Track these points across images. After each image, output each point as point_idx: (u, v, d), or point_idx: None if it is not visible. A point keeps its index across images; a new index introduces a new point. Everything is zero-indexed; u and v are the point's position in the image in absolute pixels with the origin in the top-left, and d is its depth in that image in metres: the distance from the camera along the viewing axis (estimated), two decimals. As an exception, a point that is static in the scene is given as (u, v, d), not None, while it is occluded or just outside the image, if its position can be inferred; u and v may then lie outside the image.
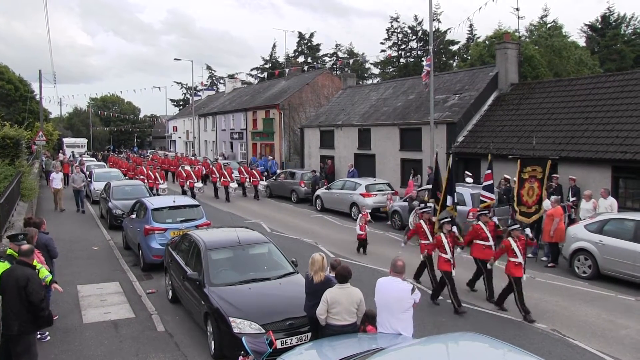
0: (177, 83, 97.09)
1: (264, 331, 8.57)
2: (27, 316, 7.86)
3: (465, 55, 58.81)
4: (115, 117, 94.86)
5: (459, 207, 18.93)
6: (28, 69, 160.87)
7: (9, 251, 8.77)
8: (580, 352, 9.76)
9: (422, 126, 27.55)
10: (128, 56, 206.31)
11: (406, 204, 21.59)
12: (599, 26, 54.69)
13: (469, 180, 22.09)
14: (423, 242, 13.51)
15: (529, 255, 13.62)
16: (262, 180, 31.58)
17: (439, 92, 28.72)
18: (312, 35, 77.33)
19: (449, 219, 12.75)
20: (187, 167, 31.60)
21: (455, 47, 62.79)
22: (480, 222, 12.94)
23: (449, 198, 13.87)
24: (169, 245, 13.42)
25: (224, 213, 25.29)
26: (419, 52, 63.65)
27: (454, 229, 12.72)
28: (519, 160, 13.21)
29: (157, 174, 30.43)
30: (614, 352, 9.73)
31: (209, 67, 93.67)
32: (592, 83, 23.77)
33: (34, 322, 7.98)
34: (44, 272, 9.34)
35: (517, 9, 60.46)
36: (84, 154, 62.55)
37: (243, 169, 32.06)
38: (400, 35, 66.25)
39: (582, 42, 53.09)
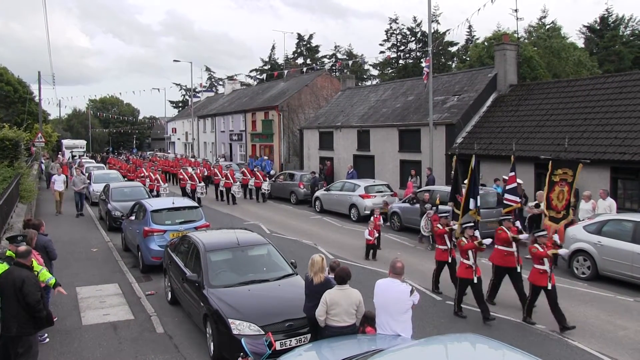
0: (176, 85, 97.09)
1: (263, 333, 8.56)
2: (25, 317, 7.89)
3: (464, 57, 58.87)
4: (114, 119, 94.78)
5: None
6: (27, 70, 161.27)
7: (8, 253, 8.79)
8: (579, 352, 9.77)
9: (421, 127, 27.58)
10: (126, 58, 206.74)
11: (406, 204, 21.60)
12: (598, 27, 54.78)
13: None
14: (440, 247, 13.20)
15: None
16: (266, 181, 31.02)
17: (438, 93, 28.76)
18: (311, 36, 77.42)
19: (472, 224, 12.23)
20: (189, 169, 31.47)
21: (454, 49, 62.86)
22: (503, 227, 12.34)
23: (471, 201, 13.30)
24: (168, 246, 13.41)
25: (223, 215, 25.30)
26: (418, 54, 63.69)
27: (477, 233, 12.17)
28: (550, 162, 12.61)
29: (158, 176, 30.13)
30: (612, 352, 9.73)
31: (208, 69, 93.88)
32: (590, 84, 23.83)
33: (32, 323, 8.00)
34: (47, 275, 9.35)
35: (516, 10, 60.76)
36: (83, 155, 62.49)
37: (246, 171, 31.82)
38: (399, 37, 66.31)
39: (580, 43, 53.23)
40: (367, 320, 8.02)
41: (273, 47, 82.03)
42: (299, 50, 77.37)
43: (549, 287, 10.79)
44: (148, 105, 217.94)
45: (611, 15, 54.11)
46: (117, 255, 17.37)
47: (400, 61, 66.28)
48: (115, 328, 10.93)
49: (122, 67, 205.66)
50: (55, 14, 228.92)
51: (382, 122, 30.98)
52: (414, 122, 28.60)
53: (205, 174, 34.10)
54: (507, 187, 14.80)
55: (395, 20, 66.09)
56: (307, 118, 42.02)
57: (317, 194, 27.37)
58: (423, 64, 26.06)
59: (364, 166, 31.71)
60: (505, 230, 12.20)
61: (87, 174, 32.48)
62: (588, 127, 21.20)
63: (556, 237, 12.19)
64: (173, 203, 16.98)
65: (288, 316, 9.02)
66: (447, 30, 59.13)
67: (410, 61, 64.62)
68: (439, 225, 13.39)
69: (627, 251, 13.45)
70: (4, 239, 11.72)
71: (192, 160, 45.30)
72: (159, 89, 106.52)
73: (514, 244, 12.06)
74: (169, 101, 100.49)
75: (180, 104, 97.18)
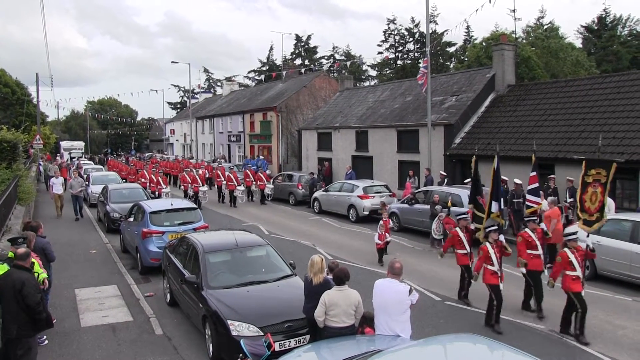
0: (175, 86, 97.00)
1: (262, 334, 8.56)
2: (25, 319, 7.90)
3: (462, 57, 58.92)
4: (113, 120, 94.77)
5: (454, 208, 19.09)
6: (25, 72, 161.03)
7: (10, 254, 8.81)
8: (578, 352, 9.78)
9: (420, 128, 27.60)
10: (124, 59, 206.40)
11: (405, 205, 21.61)
12: (595, 27, 54.83)
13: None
14: (460, 252, 12.69)
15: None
16: (269, 183, 30.51)
17: (436, 93, 28.78)
18: (309, 37, 77.42)
19: (496, 227, 11.77)
20: (200, 171, 31.19)
21: (452, 49, 62.86)
22: (527, 230, 12.01)
23: (494, 204, 12.83)
24: (166, 248, 13.39)
25: (221, 216, 25.31)
26: (416, 54, 63.68)
27: (502, 237, 11.67)
28: (584, 162, 11.83)
29: (159, 178, 29.50)
30: (611, 352, 9.76)
31: (206, 70, 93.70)
32: (588, 84, 23.85)
33: (32, 324, 8.00)
34: (37, 270, 9.39)
35: (514, 11, 60.81)
36: (81, 157, 62.40)
37: (249, 172, 31.15)
38: (397, 37, 66.33)
39: (578, 43, 53.27)
40: (366, 321, 8.03)
41: (271, 48, 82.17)
42: (297, 51, 77.38)
43: (583, 294, 10.40)
44: (146, 106, 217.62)
45: (609, 15, 54.18)
46: (115, 256, 17.35)
47: (399, 62, 66.30)
48: (114, 330, 10.92)
49: (120, 68, 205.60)
50: (53, 15, 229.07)
51: (380, 123, 30.98)
52: (412, 122, 28.61)
53: (207, 175, 33.76)
54: (529, 188, 14.19)
55: (393, 21, 66.19)
56: (306, 119, 42.02)
57: (316, 194, 27.37)
58: (421, 65, 25.99)
59: (362, 167, 31.71)
60: (530, 233, 11.89)
61: (85, 176, 32.41)
62: (586, 127, 21.22)
63: (589, 241, 11.60)
64: (172, 204, 16.97)
65: (287, 317, 9.02)
66: (445, 30, 59.16)
67: (409, 62, 64.63)
68: (457, 229, 12.95)
69: (626, 251, 13.47)
70: (3, 241, 11.70)
71: (193, 161, 45.00)
72: (157, 90, 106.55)
73: (539, 247, 11.77)
74: (167, 102, 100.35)
75: (178, 105, 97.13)
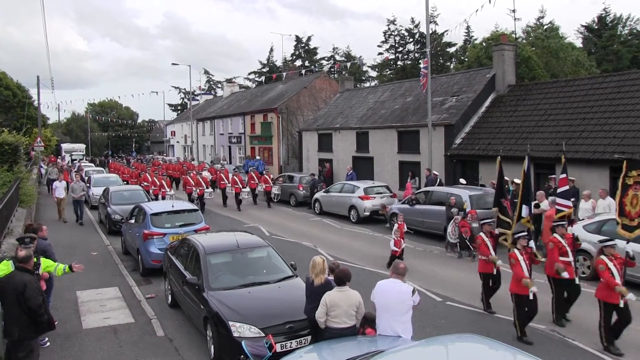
0: (175, 88, 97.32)
1: (263, 335, 8.56)
2: (26, 321, 7.92)
3: (462, 57, 58.92)
4: (113, 122, 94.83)
5: (454, 209, 19.07)
6: (25, 75, 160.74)
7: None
8: (580, 352, 9.78)
9: (420, 128, 27.62)
10: (124, 61, 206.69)
11: (405, 205, 21.59)
12: (596, 27, 54.80)
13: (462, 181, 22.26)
14: (483, 257, 12.02)
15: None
16: (276, 185, 29.99)
17: (437, 94, 28.80)
18: (309, 38, 77.42)
19: (525, 233, 11.01)
20: (204, 173, 30.82)
21: (452, 49, 62.86)
22: (557, 235, 11.32)
23: (524, 208, 11.96)
24: (168, 250, 13.41)
25: (223, 217, 25.31)
26: (416, 55, 63.72)
27: (531, 244, 11.09)
28: (624, 162, 11.06)
29: (162, 181, 28.81)
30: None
31: (206, 72, 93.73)
32: (589, 84, 23.86)
33: (34, 327, 8.01)
34: (51, 264, 9.53)
35: (514, 11, 60.76)
36: (82, 159, 62.40)
37: (254, 175, 30.13)
38: (397, 38, 66.34)
39: (578, 43, 53.25)
40: (367, 322, 8.03)
41: (271, 50, 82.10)
42: (297, 52, 77.41)
43: (621, 305, 9.71)
44: (147, 108, 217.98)
45: (609, 15, 54.14)
46: (117, 258, 17.37)
47: (399, 62, 66.32)
48: (116, 331, 10.93)
49: (120, 70, 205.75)
50: (53, 17, 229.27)
51: (380, 124, 31.00)
52: (412, 123, 28.63)
53: (210, 178, 32.98)
54: (559, 191, 13.33)
55: (393, 22, 66.19)
56: (306, 120, 42.05)
57: (317, 195, 27.37)
58: (421, 65, 26.02)
59: (363, 168, 31.72)
60: (559, 238, 11.27)
61: (86, 178, 32.36)
62: (587, 127, 21.23)
63: (629, 247, 10.85)
64: (172, 206, 16.98)
65: (288, 318, 9.03)
66: (445, 31, 59.14)
67: (409, 62, 64.66)
68: (482, 234, 12.27)
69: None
70: (5, 243, 11.72)
71: (195, 163, 44.64)
72: (157, 92, 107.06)
73: (570, 253, 11.14)
74: (168, 104, 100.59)
75: (179, 107, 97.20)
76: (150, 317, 11.72)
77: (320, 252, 17.56)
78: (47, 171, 38.48)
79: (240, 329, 8.78)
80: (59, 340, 10.37)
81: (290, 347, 8.65)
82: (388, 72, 66.15)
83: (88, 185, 29.45)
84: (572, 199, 18.23)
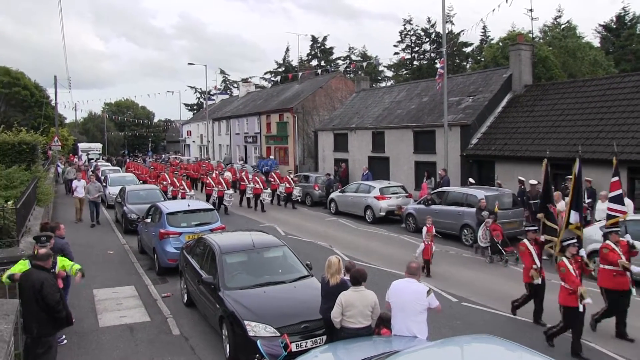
0: (191, 87, 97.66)
1: (279, 334, 8.58)
2: (44, 318, 8.01)
3: (478, 57, 58.63)
4: (130, 122, 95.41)
5: (472, 210, 18.99)
6: (43, 75, 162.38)
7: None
8: (596, 353, 9.71)
9: (436, 129, 27.53)
10: (140, 61, 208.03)
11: (421, 206, 21.53)
12: (614, 26, 54.19)
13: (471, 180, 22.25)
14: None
15: (544, 257, 12.61)
16: (298, 187, 29.20)
17: (453, 94, 28.69)
18: (325, 38, 77.47)
19: (575, 240, 10.20)
20: (226, 174, 30.27)
21: (468, 49, 62.59)
22: (610, 242, 10.51)
23: (573, 214, 11.27)
24: (183, 249, 13.47)
25: (238, 217, 25.35)
26: (433, 55, 63.48)
27: (582, 252, 10.43)
28: None
29: (183, 182, 28.01)
30: (618, 349, 9.82)
31: (222, 72, 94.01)
32: (606, 84, 23.64)
33: (52, 323, 8.10)
34: (67, 263, 9.66)
35: (531, 10, 60.13)
36: (99, 158, 62.73)
37: (275, 176, 29.73)
38: (413, 38, 66.17)
39: (596, 42, 52.74)
40: (383, 322, 8.02)
41: (287, 49, 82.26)
42: (313, 52, 77.46)
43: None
44: (163, 108, 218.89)
45: (628, 14, 53.52)
46: (133, 257, 17.48)
47: (415, 62, 66.14)
48: (132, 330, 11.00)
49: (137, 70, 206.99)
50: (71, 18, 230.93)
51: (396, 124, 30.93)
52: (428, 123, 28.55)
53: (231, 179, 31.67)
54: (611, 195, 12.39)
55: (409, 22, 66.05)
56: (322, 120, 42.06)
57: (332, 195, 27.37)
58: (437, 65, 25.93)
59: (378, 167, 31.67)
60: (613, 245, 10.43)
61: (102, 177, 32.50)
62: (604, 127, 21.03)
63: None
64: (188, 205, 17.06)
65: (304, 318, 9.03)
66: (462, 30, 58.90)
67: (425, 62, 64.46)
68: (526, 241, 11.41)
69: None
70: (22, 242, 11.82)
71: (214, 163, 43.97)
72: (173, 92, 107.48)
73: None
74: (184, 104, 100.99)
75: (195, 107, 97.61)
76: (166, 316, 11.78)
77: (336, 252, 17.54)
78: (64, 170, 38.72)
79: (256, 329, 8.79)
80: (75, 338, 10.46)
81: (305, 346, 8.66)
82: (404, 72, 66.00)
83: (104, 184, 29.57)
84: (589, 200, 18.21)
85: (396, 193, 24.46)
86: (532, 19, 59.27)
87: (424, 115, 29.74)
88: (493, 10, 31.36)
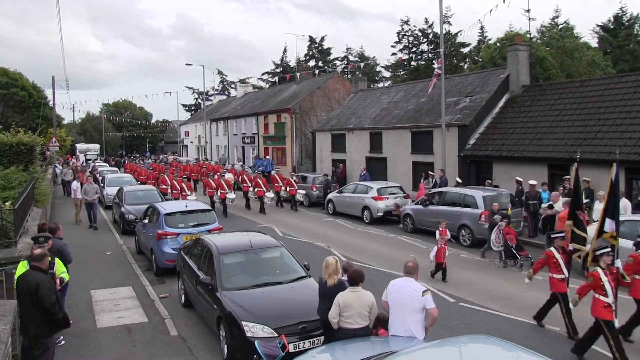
0: (189, 88, 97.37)
1: (276, 335, 8.60)
2: (41, 320, 7.98)
3: (476, 58, 58.64)
4: (128, 123, 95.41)
5: (469, 210, 19.02)
6: (41, 75, 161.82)
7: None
8: (594, 354, 9.70)
9: (434, 129, 27.54)
10: (138, 62, 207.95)
11: (419, 206, 21.55)
12: (612, 27, 54.26)
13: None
14: (555, 276, 10.70)
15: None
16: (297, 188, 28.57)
17: (450, 94, 28.71)
18: (322, 39, 77.39)
19: (609, 249, 9.59)
20: (227, 175, 29.77)
21: (466, 50, 62.57)
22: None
23: (608, 222, 10.59)
24: (181, 249, 13.46)
25: (236, 218, 25.35)
26: (430, 55, 63.51)
27: (618, 263, 9.86)
28: None
29: (183, 184, 27.63)
30: (627, 353, 9.67)
31: (220, 72, 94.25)
32: (604, 84, 23.67)
33: (49, 324, 8.08)
34: (63, 269, 9.65)
35: (528, 11, 60.54)
36: (97, 159, 62.65)
37: (278, 177, 29.09)
38: (410, 38, 66.13)
39: (594, 43, 52.75)
40: (380, 323, 8.02)
41: (285, 50, 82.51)
42: (310, 53, 77.40)
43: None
44: (161, 108, 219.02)
45: (625, 14, 53.59)
46: (130, 258, 17.47)
47: (412, 63, 66.11)
48: (130, 331, 11.00)
49: (134, 71, 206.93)
50: (68, 19, 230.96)
51: (394, 124, 30.95)
52: (426, 123, 28.57)
53: (233, 180, 31.40)
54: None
55: (406, 22, 65.97)
56: (320, 120, 42.06)
57: (330, 196, 27.38)
58: (435, 66, 25.95)
59: (376, 168, 31.67)
60: None
61: (100, 178, 32.46)
62: (602, 128, 21.06)
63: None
64: (186, 206, 17.07)
65: (301, 318, 9.03)
66: (459, 31, 59.26)
67: (422, 63, 64.43)
68: (553, 249, 10.93)
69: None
70: (20, 243, 11.82)
71: (213, 164, 43.82)
72: (171, 93, 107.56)
73: None
74: (182, 104, 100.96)
75: (192, 107, 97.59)
76: (163, 317, 11.78)
77: (334, 252, 17.54)
78: (62, 172, 38.67)
79: (254, 329, 8.79)
80: (73, 339, 10.45)
81: (303, 347, 8.65)
82: (402, 73, 65.97)
83: (102, 185, 29.55)
84: (587, 200, 18.24)
85: (394, 193, 24.49)
86: (529, 19, 59.39)
87: (421, 115, 29.75)
88: (490, 10, 31.40)
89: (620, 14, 53.64)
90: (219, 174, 30.59)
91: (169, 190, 27.67)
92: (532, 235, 19.46)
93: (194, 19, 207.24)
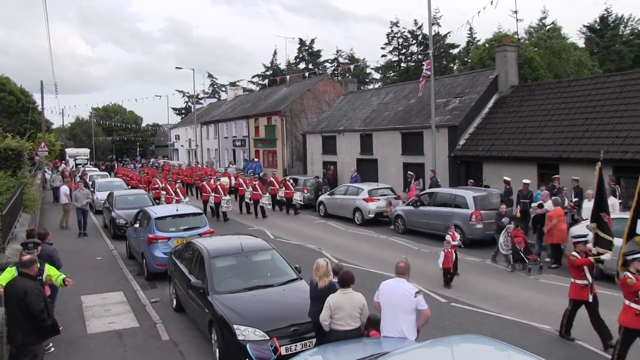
0: (179, 91, 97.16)
1: (268, 338, 8.59)
2: (29, 327, 7.91)
3: (465, 59, 58.85)
4: (118, 127, 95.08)
5: (460, 210, 19.07)
6: (29, 80, 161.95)
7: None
8: (585, 352, 9.75)
9: (424, 130, 27.61)
10: (128, 65, 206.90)
11: (410, 207, 21.58)
12: (598, 27, 54.73)
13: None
14: (578, 282, 10.20)
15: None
16: (298, 192, 28.00)
17: (440, 95, 28.79)
18: (312, 41, 77.52)
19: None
20: (222, 180, 29.64)
21: (455, 51, 62.83)
22: None
23: (639, 223, 10.06)
24: (172, 253, 13.41)
25: (228, 221, 25.27)
26: (420, 56, 63.68)
27: None
28: None
29: (176, 189, 26.59)
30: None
31: (210, 75, 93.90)
32: (591, 84, 23.82)
33: (37, 332, 8.01)
34: (54, 273, 9.56)
35: (516, 12, 60.38)
36: (87, 163, 62.30)
37: (274, 180, 28.95)
38: (400, 40, 66.33)
39: (581, 43, 53.11)
40: (372, 324, 8.02)
41: (275, 53, 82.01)
42: (300, 55, 77.48)
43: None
44: (151, 112, 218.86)
45: (611, 15, 54.10)
46: (121, 263, 17.40)
47: (402, 64, 66.31)
48: (121, 336, 10.94)
49: (124, 74, 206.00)
50: (57, 23, 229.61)
51: (384, 126, 31.01)
52: (416, 124, 28.63)
53: (228, 184, 31.09)
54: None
55: (396, 24, 66.17)
56: (310, 123, 42.08)
57: (321, 198, 27.38)
58: (424, 67, 26.02)
59: (367, 170, 31.71)
60: None
61: (90, 183, 32.28)
62: (590, 127, 21.19)
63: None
64: (177, 210, 17.02)
65: (293, 321, 9.02)
66: (448, 32, 59.36)
67: (412, 64, 64.63)
68: (574, 254, 10.40)
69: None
70: (8, 249, 11.75)
71: (209, 168, 43.30)
72: (161, 96, 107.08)
73: None
74: (172, 108, 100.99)
75: (183, 111, 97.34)
76: (155, 321, 11.73)
77: (325, 254, 17.49)
78: (51, 177, 38.40)
79: (245, 332, 8.77)
80: (63, 345, 10.38)
81: (295, 349, 8.65)
82: (391, 74, 66.13)
83: (92, 189, 29.38)
84: (576, 199, 18.35)
85: (385, 195, 24.50)
86: (517, 20, 59.60)
87: (411, 117, 29.83)
88: (479, 12, 31.63)
89: (605, 15, 54.12)
90: (214, 178, 30.17)
91: (162, 194, 27.25)
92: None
93: (184, 23, 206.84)
